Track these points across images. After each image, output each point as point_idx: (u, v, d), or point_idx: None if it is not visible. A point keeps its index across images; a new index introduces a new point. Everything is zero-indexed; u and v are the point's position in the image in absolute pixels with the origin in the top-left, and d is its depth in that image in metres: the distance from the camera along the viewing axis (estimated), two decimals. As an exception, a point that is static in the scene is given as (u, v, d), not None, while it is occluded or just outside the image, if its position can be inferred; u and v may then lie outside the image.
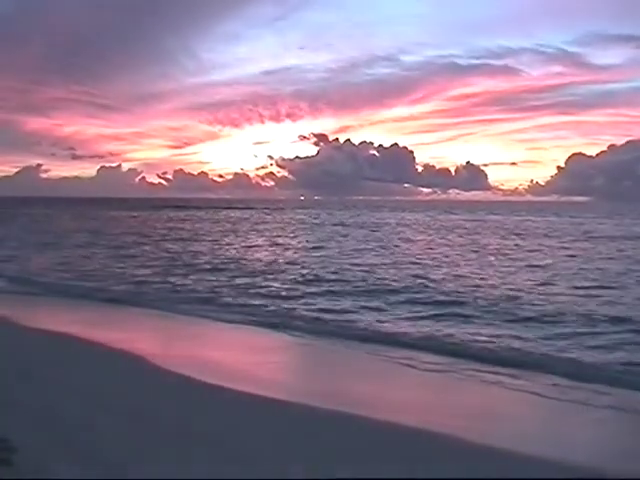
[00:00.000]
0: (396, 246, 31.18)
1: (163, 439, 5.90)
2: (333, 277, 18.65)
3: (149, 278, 18.89)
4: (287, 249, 30.06)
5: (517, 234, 43.41)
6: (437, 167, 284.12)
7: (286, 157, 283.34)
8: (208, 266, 22.19)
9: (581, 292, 16.18)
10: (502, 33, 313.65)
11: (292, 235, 42.01)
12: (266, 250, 29.61)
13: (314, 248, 29.93)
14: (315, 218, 74.82)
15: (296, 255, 26.47)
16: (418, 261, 23.75)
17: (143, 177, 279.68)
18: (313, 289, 16.63)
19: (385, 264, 22.31)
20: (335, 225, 57.87)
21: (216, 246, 31.77)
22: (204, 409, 6.99)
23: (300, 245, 32.74)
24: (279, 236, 40.29)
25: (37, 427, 6.04)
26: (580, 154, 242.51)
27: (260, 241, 36.07)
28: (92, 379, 7.94)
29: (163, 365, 8.83)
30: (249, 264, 22.93)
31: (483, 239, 37.90)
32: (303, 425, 6.46)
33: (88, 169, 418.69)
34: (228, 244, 33.43)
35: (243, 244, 33.44)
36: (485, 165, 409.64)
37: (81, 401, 6.97)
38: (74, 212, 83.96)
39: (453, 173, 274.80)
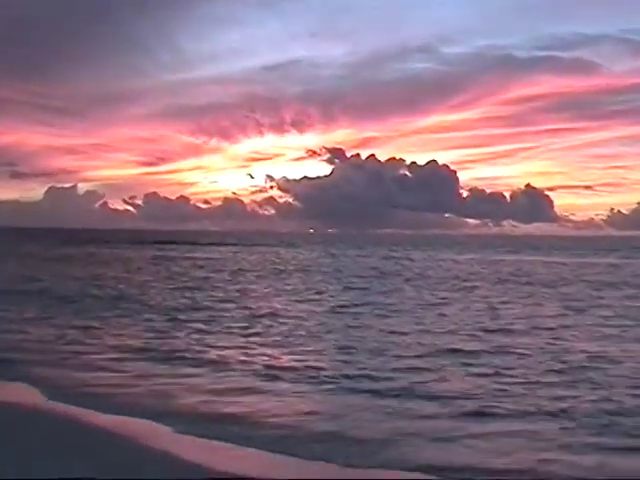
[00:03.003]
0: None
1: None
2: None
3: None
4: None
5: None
6: (487, 192, 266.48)
7: (291, 178, 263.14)
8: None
9: None
10: (574, 16, 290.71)
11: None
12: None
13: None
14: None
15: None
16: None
17: (105, 202, 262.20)
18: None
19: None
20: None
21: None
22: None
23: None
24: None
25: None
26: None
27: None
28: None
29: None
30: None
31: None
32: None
33: (32, 191, 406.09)
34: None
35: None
36: (550, 189, 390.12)
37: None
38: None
39: (508, 199, 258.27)
